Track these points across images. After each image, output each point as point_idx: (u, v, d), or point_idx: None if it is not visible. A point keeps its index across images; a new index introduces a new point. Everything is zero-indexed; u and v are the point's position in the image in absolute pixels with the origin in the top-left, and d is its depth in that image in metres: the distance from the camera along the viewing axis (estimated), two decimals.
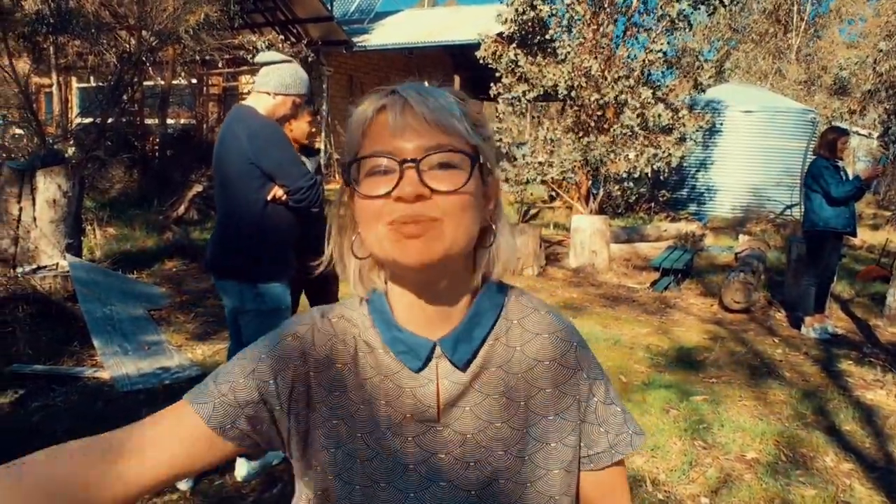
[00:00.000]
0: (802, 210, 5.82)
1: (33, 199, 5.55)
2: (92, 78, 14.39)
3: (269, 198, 2.66)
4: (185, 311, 5.49)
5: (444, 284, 0.80)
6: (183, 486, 2.85)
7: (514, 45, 11.43)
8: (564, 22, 11.17)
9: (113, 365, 4.10)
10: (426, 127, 0.74)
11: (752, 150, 13.07)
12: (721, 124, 13.01)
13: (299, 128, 3.30)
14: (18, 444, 3.16)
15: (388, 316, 0.82)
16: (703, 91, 11.74)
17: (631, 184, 12.03)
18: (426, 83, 0.84)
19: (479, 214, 0.79)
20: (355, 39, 16.77)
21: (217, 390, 0.80)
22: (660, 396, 4.13)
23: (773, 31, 25.47)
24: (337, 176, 13.97)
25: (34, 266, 5.38)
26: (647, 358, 4.93)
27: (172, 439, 0.77)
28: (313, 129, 3.41)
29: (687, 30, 11.51)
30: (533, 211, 12.91)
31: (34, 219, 5.54)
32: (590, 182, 11.65)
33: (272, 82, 2.72)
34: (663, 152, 10.48)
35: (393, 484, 0.79)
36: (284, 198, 2.67)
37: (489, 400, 0.82)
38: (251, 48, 13.57)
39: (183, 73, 14.36)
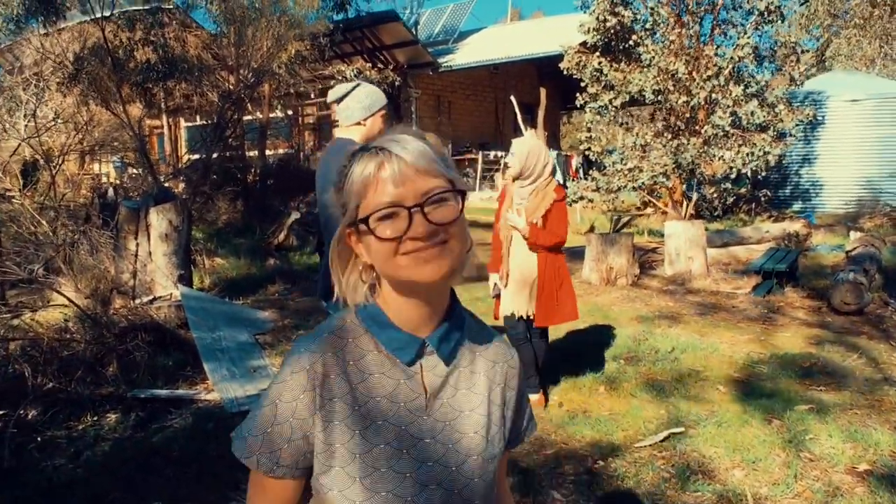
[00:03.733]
0: None
1: (148, 235, 6.01)
2: (198, 117, 15.40)
3: None
4: (288, 335, 5.76)
5: (439, 290, 1.00)
6: None
7: (597, 53, 11.33)
8: (648, 26, 10.96)
9: (222, 388, 4.38)
10: (418, 175, 0.94)
11: (861, 141, 12.29)
12: (824, 116, 12.32)
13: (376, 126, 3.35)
14: (142, 464, 3.44)
15: (382, 319, 1.01)
16: (801, 84, 11.18)
17: (729, 185, 11.58)
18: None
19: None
20: (441, 60, 17.08)
21: (277, 448, 0.99)
22: (761, 406, 3.96)
23: (879, 14, 23.79)
24: None
25: (151, 297, 5.82)
26: (746, 366, 4.74)
27: (288, 498, 1.03)
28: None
29: (780, 21, 11.02)
30: (625, 219, 12.65)
31: (149, 253, 5.99)
32: (683, 186, 11.32)
33: (356, 113, 2.88)
34: (759, 150, 10.04)
35: (393, 468, 0.97)
36: None
37: (460, 393, 1.04)
38: (341, 78, 14.10)
39: (279, 107, 15.09)
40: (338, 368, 0.99)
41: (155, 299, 5.77)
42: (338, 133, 2.95)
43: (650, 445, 3.55)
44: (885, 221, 10.95)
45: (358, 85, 2.92)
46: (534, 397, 4.01)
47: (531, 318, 3.98)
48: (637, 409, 4.02)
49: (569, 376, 4.51)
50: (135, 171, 12.25)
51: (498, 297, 4.08)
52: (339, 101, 2.90)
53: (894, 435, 3.56)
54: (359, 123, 2.88)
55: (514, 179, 3.93)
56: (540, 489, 3.14)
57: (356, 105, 2.86)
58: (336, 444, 0.97)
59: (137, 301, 5.69)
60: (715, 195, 11.92)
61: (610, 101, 11.01)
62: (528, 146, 3.89)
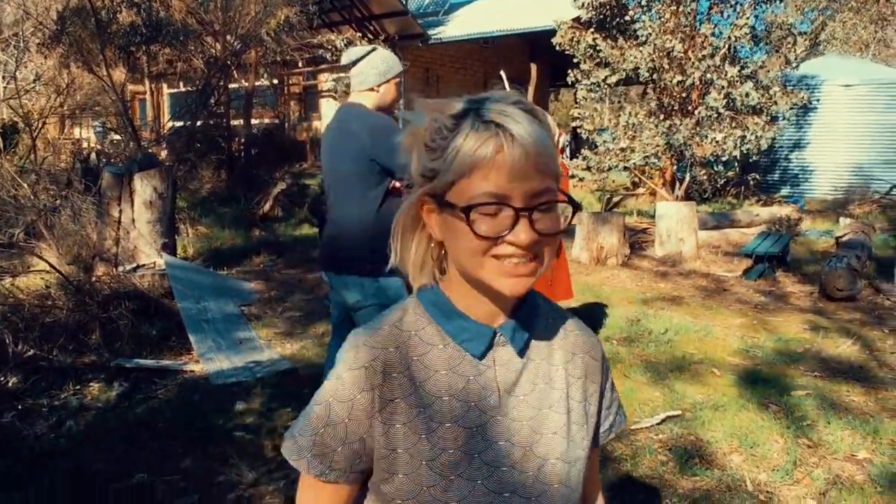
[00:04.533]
0: None
1: (132, 202, 5.83)
2: (181, 83, 15.06)
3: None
4: (274, 307, 5.64)
5: None
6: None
7: (591, 29, 11.17)
8: (644, 2, 10.81)
9: (208, 359, 4.26)
10: (534, 171, 0.80)
11: (853, 127, 12.28)
12: (818, 100, 12.28)
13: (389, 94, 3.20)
14: (127, 435, 3.33)
15: (448, 307, 0.90)
16: (797, 66, 11.11)
17: (720, 167, 11.54)
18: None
19: None
20: (431, 32, 16.82)
21: (330, 451, 0.88)
22: (758, 391, 3.92)
23: None
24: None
25: (134, 265, 5.66)
26: (741, 350, 4.71)
27: None
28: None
29: (778, 1, 10.92)
30: (616, 198, 12.60)
31: (133, 220, 5.82)
32: (674, 167, 11.27)
33: (371, 78, 2.75)
34: (752, 134, 9.99)
35: (462, 475, 0.86)
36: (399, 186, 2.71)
37: (537, 389, 0.92)
38: (330, 47, 13.84)
39: (265, 75, 14.80)
40: (400, 365, 0.88)
41: (138, 267, 5.61)
42: (350, 98, 2.81)
43: (647, 428, 3.49)
44: (875, 208, 10.98)
45: (374, 49, 2.78)
46: None
47: None
48: (632, 391, 3.96)
49: None
50: (117, 136, 11.96)
51: None
52: (353, 64, 2.75)
53: (892, 423, 3.54)
54: (372, 89, 2.75)
55: None
56: None
57: (371, 70, 2.73)
58: (399, 448, 0.86)
59: (121, 269, 5.53)
60: (705, 177, 11.88)
61: (604, 79, 10.87)
62: None
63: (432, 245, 0.90)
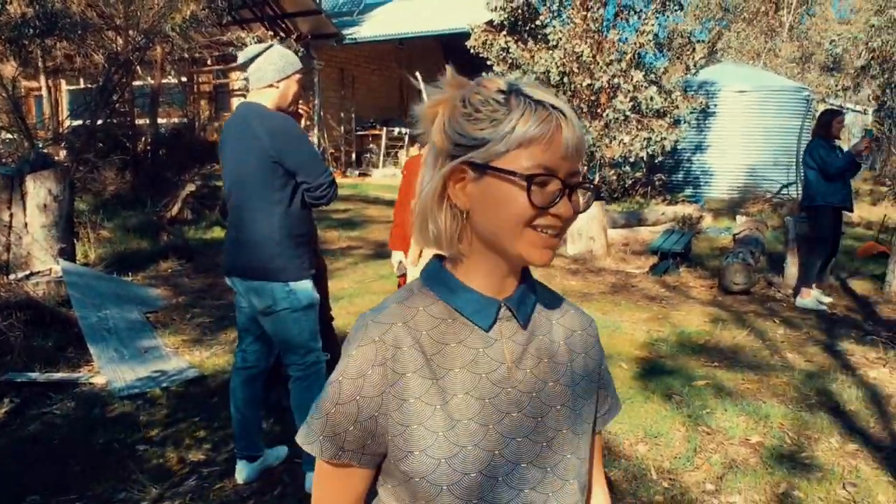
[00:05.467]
0: (801, 188, 5.96)
1: (24, 205, 5.50)
2: (81, 80, 14.30)
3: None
4: (182, 313, 5.44)
5: None
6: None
7: (504, 32, 11.35)
8: (554, 7, 11.09)
9: (109, 371, 4.06)
10: (577, 154, 0.87)
11: (747, 131, 13.00)
12: (715, 105, 12.93)
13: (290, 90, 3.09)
14: (18, 454, 3.13)
15: (453, 282, 0.93)
16: (696, 73, 11.66)
17: (627, 168, 11.97)
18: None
19: None
20: (345, 32, 16.65)
21: (342, 431, 0.88)
22: (662, 383, 4.10)
23: (765, 10, 25.30)
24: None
25: (27, 272, 5.33)
26: (647, 344, 4.90)
27: (359, 489, 0.93)
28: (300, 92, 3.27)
29: (678, 10, 11.43)
30: None
31: (25, 224, 5.48)
32: (585, 168, 11.60)
33: (269, 74, 2.67)
34: (657, 136, 10.42)
35: (479, 445, 0.88)
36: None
37: (542, 363, 0.95)
38: (240, 44, 13.46)
39: (172, 72, 14.25)
40: (410, 339, 0.89)
41: (32, 274, 5.29)
42: (249, 97, 2.73)
43: None
44: (767, 207, 11.67)
45: (270, 46, 2.71)
46: None
47: None
48: None
49: None
50: (8, 135, 11.22)
51: (404, 276, 3.97)
52: (250, 61, 2.68)
53: (781, 408, 3.77)
54: (271, 86, 2.67)
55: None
56: None
57: (269, 66, 2.66)
58: (413, 424, 0.87)
59: (12, 276, 5.19)
60: (614, 177, 12.29)
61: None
62: None
63: (458, 216, 0.91)
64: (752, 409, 3.73)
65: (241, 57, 2.71)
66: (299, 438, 0.92)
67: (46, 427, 3.44)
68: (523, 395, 0.92)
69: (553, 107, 0.85)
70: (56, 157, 9.30)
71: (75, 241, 6.27)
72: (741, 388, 4.08)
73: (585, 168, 11.48)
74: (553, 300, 1.02)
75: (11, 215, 5.46)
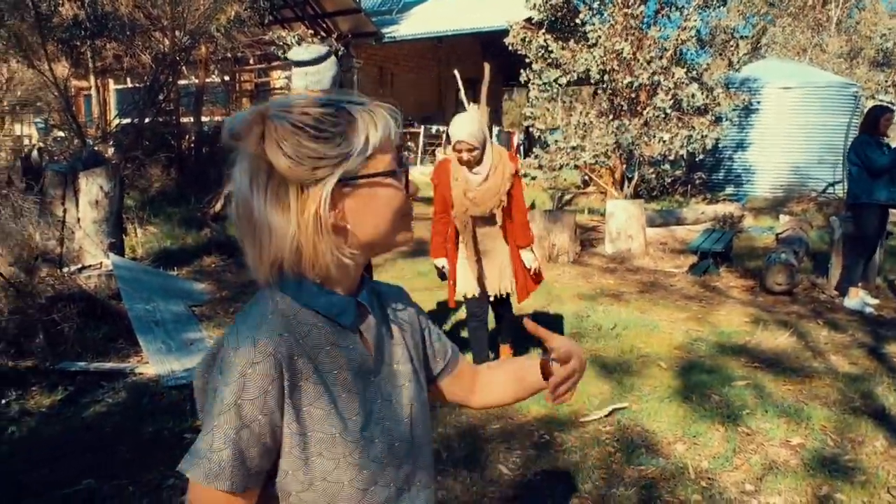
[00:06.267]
0: (846, 186, 5.85)
1: (76, 201, 5.69)
2: (129, 79, 14.66)
3: None
4: (225, 307, 5.58)
5: None
6: None
7: (543, 30, 11.30)
8: (595, 5, 11.00)
9: (157, 361, 4.20)
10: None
11: (791, 128, 12.72)
12: (758, 102, 12.68)
13: None
14: (73, 440, 3.26)
15: (311, 287, 0.93)
16: (739, 69, 11.46)
17: (666, 167, 11.83)
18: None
19: None
20: (384, 30, 16.76)
21: (249, 457, 0.87)
22: (700, 383, 4.07)
23: (812, 4, 24.68)
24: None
25: (79, 266, 5.52)
26: (686, 343, 4.86)
27: None
28: None
29: (721, 6, 11.25)
30: (567, 197, 12.80)
31: (78, 219, 5.68)
32: (624, 166, 11.51)
33: (326, 81, 2.76)
34: (698, 133, 10.28)
35: (364, 436, 0.95)
36: None
37: (394, 347, 1.05)
38: (282, 44, 13.67)
39: (216, 72, 14.54)
40: (297, 348, 0.91)
41: (84, 268, 5.48)
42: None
43: (595, 420, 3.59)
44: (811, 206, 11.42)
45: (330, 51, 2.79)
46: None
47: (504, 295, 3.97)
48: (581, 384, 4.00)
49: (514, 352, 4.52)
50: (60, 133, 11.61)
51: (446, 279, 3.99)
52: (314, 62, 2.74)
53: (824, 410, 3.71)
54: (325, 92, 2.76)
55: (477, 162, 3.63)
56: (487, 463, 3.14)
57: (328, 74, 2.75)
58: (309, 431, 0.90)
59: (65, 270, 5.39)
60: (653, 176, 12.15)
61: (555, 80, 11.02)
62: (475, 120, 3.63)
63: (342, 234, 0.93)
64: (794, 411, 3.68)
65: (303, 54, 2.76)
66: (200, 477, 0.85)
67: (98, 415, 3.58)
68: (383, 380, 1.00)
69: (372, 104, 0.95)
70: (105, 155, 9.58)
71: (124, 236, 6.47)
72: (782, 389, 4.02)
73: (624, 166, 11.40)
74: (376, 285, 1.10)
75: (65, 211, 5.66)
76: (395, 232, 0.96)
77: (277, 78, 16.16)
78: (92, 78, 13.21)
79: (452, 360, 1.19)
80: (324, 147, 0.88)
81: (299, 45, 12.83)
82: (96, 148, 9.64)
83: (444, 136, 17.33)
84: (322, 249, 0.90)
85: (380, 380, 1.00)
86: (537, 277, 3.99)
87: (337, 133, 0.89)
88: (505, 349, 4.25)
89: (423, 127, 17.28)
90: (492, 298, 3.99)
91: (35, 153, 10.10)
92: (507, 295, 4.01)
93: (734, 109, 11.12)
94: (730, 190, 13.19)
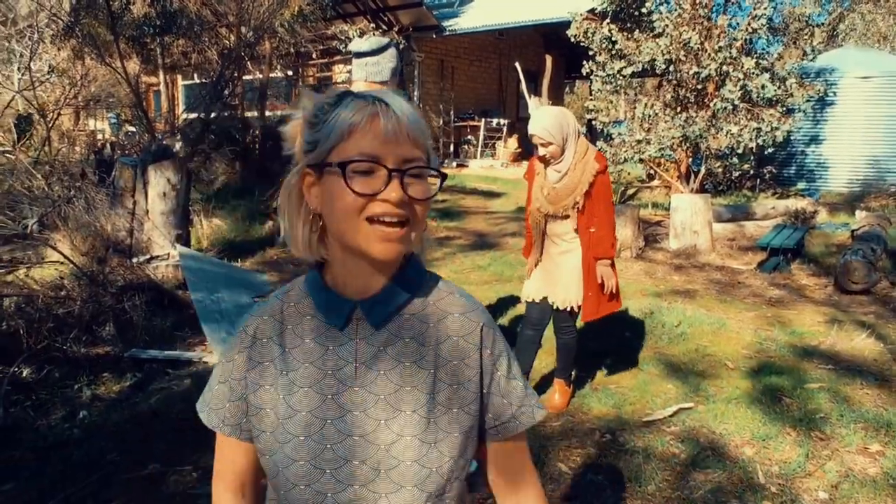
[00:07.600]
0: None
1: (146, 193, 5.88)
2: (196, 75, 15.11)
3: None
4: None
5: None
6: None
7: (607, 20, 11.06)
8: None
9: (221, 351, 4.29)
10: (406, 139, 0.89)
11: (870, 120, 12.09)
12: (834, 93, 12.09)
13: None
14: (140, 425, 3.36)
15: (319, 283, 0.97)
16: (814, 58, 10.95)
17: (734, 160, 11.42)
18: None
19: None
20: (445, 23, 16.74)
21: (221, 406, 1.02)
22: (770, 384, 3.90)
23: None
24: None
25: (148, 256, 5.70)
26: (755, 343, 4.67)
27: (239, 462, 1.04)
28: None
29: None
30: (630, 191, 12.52)
31: (147, 211, 5.86)
32: (689, 159, 11.17)
33: (386, 72, 2.76)
34: (768, 126, 9.87)
35: (313, 437, 0.93)
36: None
37: (401, 367, 0.95)
38: (344, 38, 13.81)
39: (279, 66, 14.81)
40: (271, 331, 0.99)
41: (152, 258, 5.65)
42: (358, 87, 2.80)
43: (659, 420, 3.48)
44: (891, 202, 10.84)
45: (391, 43, 2.78)
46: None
47: (572, 309, 3.49)
48: (645, 383, 3.95)
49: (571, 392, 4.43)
50: (131, 128, 12.03)
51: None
52: (374, 52, 2.74)
53: None
54: (385, 83, 2.75)
55: (552, 159, 3.33)
56: (547, 461, 3.08)
57: (388, 65, 2.74)
58: (265, 407, 0.97)
59: (134, 260, 5.57)
60: (720, 170, 11.76)
61: (619, 71, 10.77)
62: (553, 114, 3.27)
63: (311, 219, 0.95)
64: (872, 417, 3.48)
65: (364, 45, 2.76)
66: (198, 405, 1.04)
67: (165, 402, 3.67)
68: (370, 395, 0.94)
69: (375, 98, 0.89)
70: (173, 149, 9.87)
71: (190, 228, 6.65)
72: (859, 393, 3.82)
73: (690, 159, 11.07)
74: (443, 303, 0.99)
75: (135, 203, 5.85)
76: (355, 233, 0.88)
77: (339, 72, 16.34)
78: (161, 74, 13.64)
79: (503, 428, 1.01)
80: (310, 132, 0.92)
81: (360, 37, 12.95)
82: (165, 142, 9.95)
83: (504, 128, 17.21)
84: (299, 229, 0.95)
85: (366, 392, 0.93)
86: (613, 298, 3.50)
87: (321, 120, 0.91)
88: (560, 385, 3.69)
89: (483, 120, 17.20)
90: (556, 308, 3.52)
91: (108, 147, 10.50)
92: (575, 309, 3.51)
93: (808, 101, 10.62)
94: (801, 185, 12.64)
